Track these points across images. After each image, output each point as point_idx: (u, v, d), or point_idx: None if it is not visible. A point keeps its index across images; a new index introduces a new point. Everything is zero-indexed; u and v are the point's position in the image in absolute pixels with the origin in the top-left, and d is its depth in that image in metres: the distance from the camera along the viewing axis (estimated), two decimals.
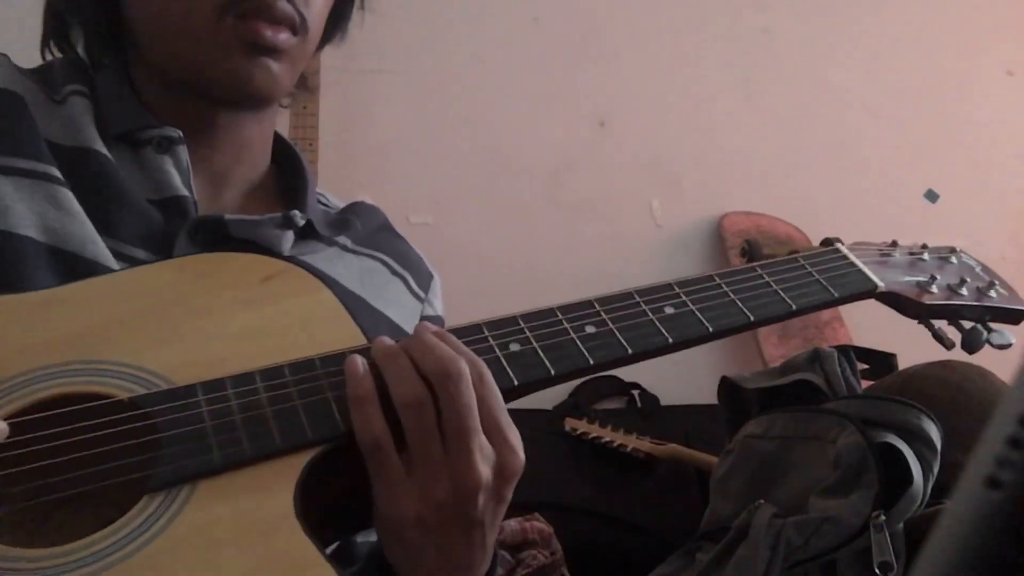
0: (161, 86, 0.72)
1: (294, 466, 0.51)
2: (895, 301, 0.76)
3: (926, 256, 0.81)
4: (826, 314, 2.28)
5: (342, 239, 0.78)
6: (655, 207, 2.37)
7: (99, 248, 0.63)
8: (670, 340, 0.63)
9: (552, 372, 0.59)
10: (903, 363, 1.33)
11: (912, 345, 1.40)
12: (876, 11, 2.53)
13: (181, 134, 0.70)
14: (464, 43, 2.25)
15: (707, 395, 1.76)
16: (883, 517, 0.95)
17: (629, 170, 2.35)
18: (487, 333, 0.60)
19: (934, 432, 1.00)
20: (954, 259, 0.82)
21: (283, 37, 0.67)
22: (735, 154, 2.41)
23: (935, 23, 2.57)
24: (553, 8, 2.32)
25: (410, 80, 2.20)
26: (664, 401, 2.12)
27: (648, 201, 2.37)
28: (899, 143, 2.53)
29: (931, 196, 2.53)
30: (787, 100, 2.46)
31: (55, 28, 0.76)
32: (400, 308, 0.78)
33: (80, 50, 0.76)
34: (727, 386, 1.37)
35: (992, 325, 0.78)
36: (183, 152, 0.70)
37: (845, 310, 2.30)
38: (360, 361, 0.54)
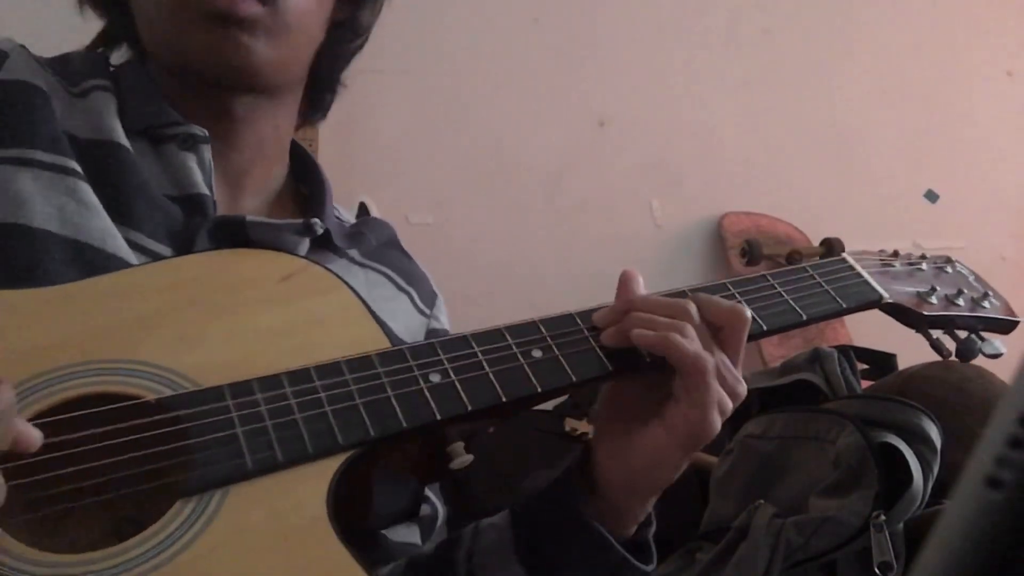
0: (175, 81, 0.72)
1: (326, 471, 0.52)
2: (897, 311, 0.78)
3: (924, 266, 0.83)
4: None
5: (352, 251, 0.78)
6: (655, 207, 2.37)
7: (119, 242, 0.62)
8: None
9: (573, 379, 0.61)
10: (903, 363, 1.33)
11: (912, 345, 1.39)
12: (876, 12, 2.53)
13: (206, 133, 0.70)
14: (464, 43, 2.25)
15: None
16: (883, 517, 0.95)
17: (629, 170, 2.35)
18: (510, 340, 0.61)
19: (934, 432, 1.00)
20: (950, 269, 0.85)
21: (245, 6, 0.66)
22: (735, 154, 2.42)
23: (935, 23, 2.57)
24: (553, 8, 2.32)
25: (410, 80, 2.20)
26: None
27: (648, 201, 2.37)
28: (899, 143, 2.53)
29: (931, 196, 2.53)
30: (787, 100, 2.46)
31: (112, 38, 0.77)
32: (405, 323, 0.78)
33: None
34: None
35: (984, 335, 0.80)
36: (207, 151, 0.70)
37: None
38: (643, 331, 0.60)
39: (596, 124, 2.35)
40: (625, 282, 0.65)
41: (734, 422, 1.30)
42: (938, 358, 0.82)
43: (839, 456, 1.02)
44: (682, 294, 0.66)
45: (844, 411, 1.07)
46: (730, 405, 0.61)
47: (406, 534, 0.74)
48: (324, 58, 0.78)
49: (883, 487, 0.97)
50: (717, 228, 2.35)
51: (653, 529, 0.67)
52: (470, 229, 2.23)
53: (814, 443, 1.08)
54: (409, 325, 0.79)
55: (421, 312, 0.81)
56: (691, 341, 0.59)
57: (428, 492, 0.77)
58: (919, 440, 1.00)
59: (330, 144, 2.06)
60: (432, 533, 0.78)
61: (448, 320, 0.85)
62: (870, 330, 2.25)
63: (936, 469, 0.99)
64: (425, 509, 0.77)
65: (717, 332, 0.62)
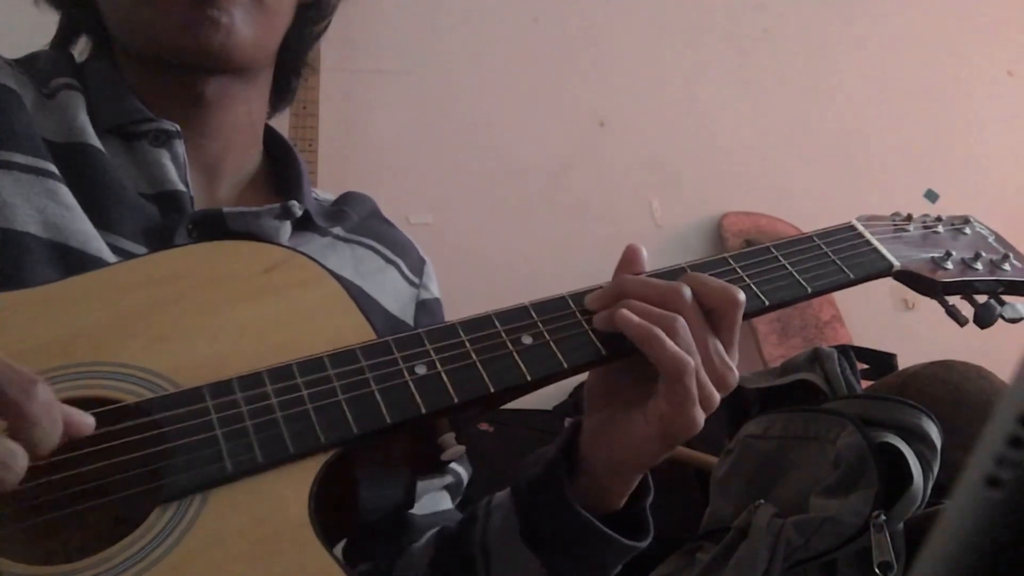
0: (143, 70, 0.71)
1: (307, 472, 0.51)
2: (910, 279, 0.73)
3: (940, 228, 0.78)
4: (826, 314, 2.28)
5: (336, 229, 0.78)
6: (655, 207, 2.37)
7: (101, 244, 0.62)
8: None
9: (565, 365, 0.59)
10: (903, 363, 1.33)
11: (912, 345, 1.40)
12: (876, 12, 2.53)
13: (178, 128, 0.70)
14: (464, 43, 2.25)
15: None
16: (883, 517, 0.95)
17: (629, 170, 2.35)
18: (499, 327, 0.59)
19: (934, 432, 0.99)
20: (968, 229, 0.80)
21: None
22: (735, 154, 2.41)
23: (935, 23, 2.57)
24: (553, 8, 2.32)
25: (410, 80, 2.20)
26: None
27: (648, 201, 2.37)
28: (899, 143, 2.53)
29: (931, 196, 2.53)
30: (787, 100, 2.46)
31: (70, 30, 0.76)
32: (394, 296, 0.78)
33: (76, 49, 0.76)
34: None
35: (1005, 298, 0.75)
36: (180, 146, 0.70)
37: (845, 310, 2.31)
38: (630, 314, 0.57)
39: (596, 124, 2.35)
40: (626, 260, 0.63)
41: (734, 422, 1.31)
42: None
43: (839, 456, 1.02)
44: (681, 271, 0.63)
45: (844, 411, 1.07)
46: (716, 399, 0.58)
47: (436, 502, 0.75)
48: (291, 40, 0.77)
49: (883, 487, 0.96)
50: (717, 228, 2.35)
51: (650, 498, 0.66)
52: (470, 229, 2.23)
53: (814, 443, 1.08)
54: (399, 297, 0.79)
55: (410, 282, 0.81)
56: (676, 336, 0.57)
57: None
58: (919, 440, 0.99)
59: (330, 144, 2.06)
60: (460, 496, 0.79)
61: (439, 287, 0.84)
62: (870, 330, 2.25)
63: (936, 469, 0.98)
64: (448, 479, 0.78)
65: (709, 314, 0.59)
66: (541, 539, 0.64)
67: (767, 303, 0.65)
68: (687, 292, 0.59)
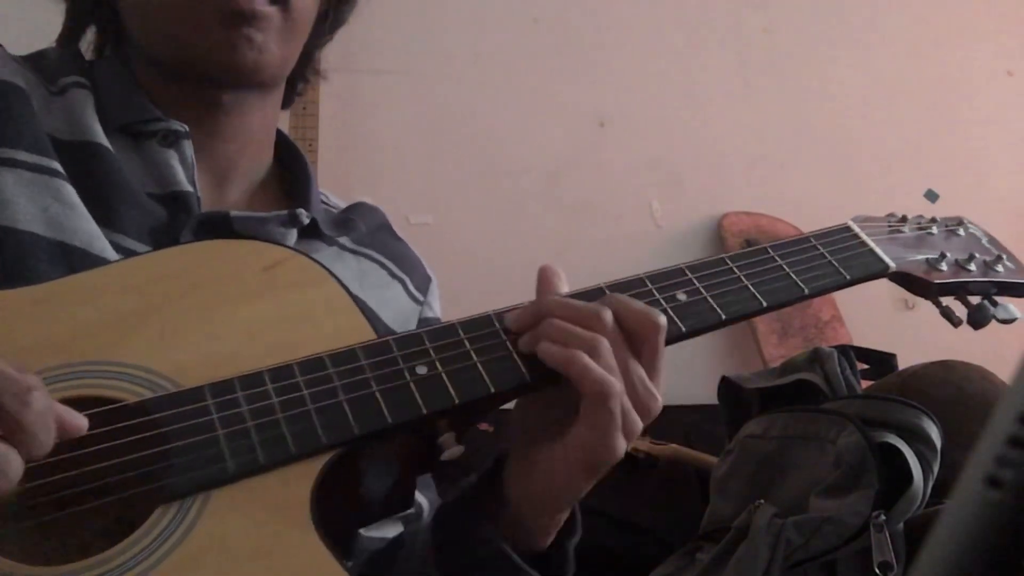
0: (158, 73, 0.71)
1: (309, 473, 0.51)
2: (905, 280, 0.74)
3: (935, 230, 0.79)
4: (826, 314, 2.28)
5: (343, 239, 0.77)
6: (655, 207, 2.37)
7: (104, 244, 0.62)
8: (683, 329, 0.62)
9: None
10: (903, 363, 1.33)
11: (912, 345, 1.40)
12: (876, 11, 2.53)
13: (187, 128, 0.69)
14: (464, 43, 2.25)
15: (707, 395, 1.76)
16: (883, 517, 0.95)
17: (629, 170, 2.35)
18: (497, 326, 0.59)
19: (934, 432, 0.99)
20: (962, 231, 0.81)
21: (260, 4, 0.66)
22: (735, 154, 2.41)
23: (935, 23, 2.57)
24: (553, 8, 2.31)
25: (410, 80, 2.20)
26: (663, 401, 2.11)
27: (648, 201, 2.37)
28: (899, 143, 2.53)
29: (931, 196, 2.53)
30: (787, 100, 2.46)
31: (75, 23, 0.76)
32: (397, 312, 0.78)
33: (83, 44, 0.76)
34: (727, 386, 1.36)
35: (998, 299, 0.76)
36: (188, 147, 0.69)
37: (845, 310, 2.30)
38: (550, 345, 0.56)
39: (596, 124, 2.34)
40: (544, 281, 0.62)
41: (734, 422, 1.30)
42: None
43: (839, 456, 1.02)
44: (600, 292, 0.62)
45: (844, 411, 1.07)
46: (639, 427, 0.57)
47: (387, 528, 0.73)
48: (305, 50, 0.77)
49: (883, 487, 0.96)
50: (717, 228, 2.34)
51: (576, 539, 0.64)
52: (470, 229, 2.22)
53: (814, 443, 1.08)
54: (401, 313, 0.78)
55: (415, 299, 0.81)
56: (599, 357, 0.55)
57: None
58: (919, 440, 0.99)
59: (330, 144, 2.06)
60: (415, 526, 0.77)
61: (440, 305, 0.84)
62: (870, 330, 2.25)
63: (936, 469, 0.98)
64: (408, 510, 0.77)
65: (630, 338, 0.57)
66: (454, 571, 0.62)
67: (765, 304, 0.65)
68: (608, 315, 0.57)
